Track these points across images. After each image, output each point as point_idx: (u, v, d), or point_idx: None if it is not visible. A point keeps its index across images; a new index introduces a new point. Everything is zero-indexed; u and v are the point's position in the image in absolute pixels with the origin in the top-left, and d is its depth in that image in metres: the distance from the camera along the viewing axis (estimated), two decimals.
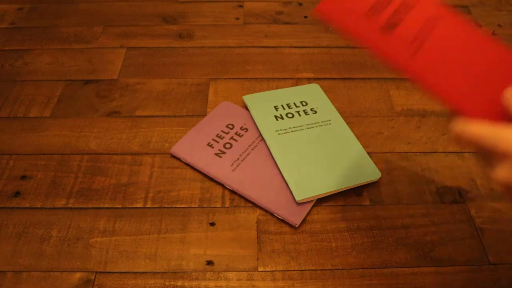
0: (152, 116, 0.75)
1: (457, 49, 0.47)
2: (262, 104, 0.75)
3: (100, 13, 0.97)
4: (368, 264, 0.57)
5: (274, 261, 0.57)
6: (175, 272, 0.56)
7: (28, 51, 0.88)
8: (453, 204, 0.64)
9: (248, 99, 0.76)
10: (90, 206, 0.63)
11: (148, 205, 0.63)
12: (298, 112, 0.74)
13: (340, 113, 0.76)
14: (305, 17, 0.98)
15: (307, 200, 0.62)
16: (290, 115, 0.73)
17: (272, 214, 0.62)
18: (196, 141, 0.70)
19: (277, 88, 0.80)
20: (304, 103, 0.76)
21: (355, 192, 0.65)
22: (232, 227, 0.61)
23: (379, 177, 0.66)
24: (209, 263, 0.57)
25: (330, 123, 0.72)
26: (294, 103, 0.75)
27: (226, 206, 0.63)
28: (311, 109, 0.75)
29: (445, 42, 0.47)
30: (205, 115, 0.75)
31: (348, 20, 0.46)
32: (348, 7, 0.46)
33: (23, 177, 0.66)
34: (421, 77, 0.44)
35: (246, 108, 0.75)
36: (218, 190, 0.65)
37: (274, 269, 0.57)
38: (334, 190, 0.63)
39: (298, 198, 0.62)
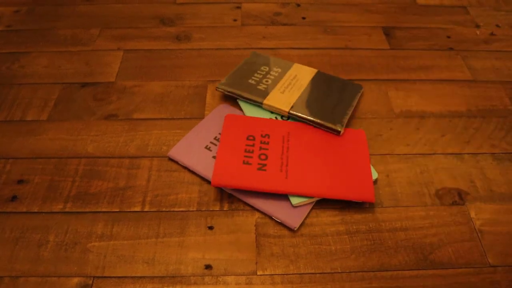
0: (149, 119, 0.75)
1: (309, 155, 0.66)
2: (257, 107, 0.75)
3: (97, 15, 0.97)
4: (367, 267, 0.57)
5: (273, 265, 0.57)
6: (173, 277, 0.56)
7: (25, 53, 0.87)
8: (453, 206, 0.64)
9: (242, 102, 0.76)
10: (87, 210, 0.63)
11: (146, 209, 0.63)
12: None
13: None
14: (303, 18, 0.97)
15: (304, 203, 0.62)
16: (285, 118, 0.73)
17: (270, 217, 0.62)
18: (194, 144, 0.69)
19: None
20: None
21: None
22: (230, 230, 0.60)
23: (375, 177, 0.66)
24: (208, 267, 0.57)
25: None
26: None
27: (225, 209, 0.63)
28: None
29: (300, 155, 0.66)
30: (203, 118, 0.75)
31: (235, 178, 0.62)
32: (228, 168, 0.64)
33: (20, 181, 0.66)
34: (297, 190, 0.61)
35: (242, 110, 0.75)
36: (216, 194, 0.65)
37: (273, 273, 0.56)
38: None
39: (294, 202, 0.61)
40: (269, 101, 0.73)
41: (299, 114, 0.71)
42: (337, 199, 0.62)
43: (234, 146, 0.67)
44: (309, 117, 0.70)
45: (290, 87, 0.76)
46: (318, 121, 0.70)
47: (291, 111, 0.71)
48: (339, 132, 0.69)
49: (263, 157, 0.65)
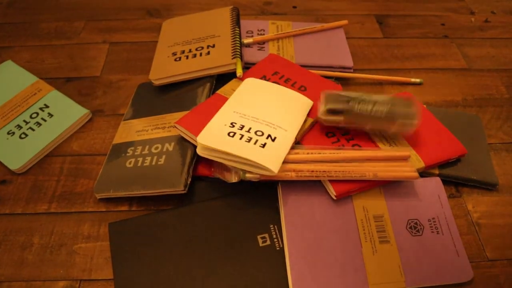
0: None
1: None
2: None
3: (82, 7, 0.94)
4: None
5: None
6: None
7: (7, 48, 0.84)
8: (450, 198, 0.62)
9: None
10: (73, 210, 0.60)
11: (134, 208, 0.61)
12: None
13: None
14: (294, 7, 0.95)
15: None
16: None
17: None
18: None
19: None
20: None
21: None
22: None
23: None
24: None
25: None
26: None
27: None
28: None
29: None
30: None
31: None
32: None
33: (3, 182, 0.64)
34: None
35: None
36: None
37: None
38: None
39: None
40: None
41: None
42: None
43: None
44: None
45: None
46: None
47: None
48: None
49: None
